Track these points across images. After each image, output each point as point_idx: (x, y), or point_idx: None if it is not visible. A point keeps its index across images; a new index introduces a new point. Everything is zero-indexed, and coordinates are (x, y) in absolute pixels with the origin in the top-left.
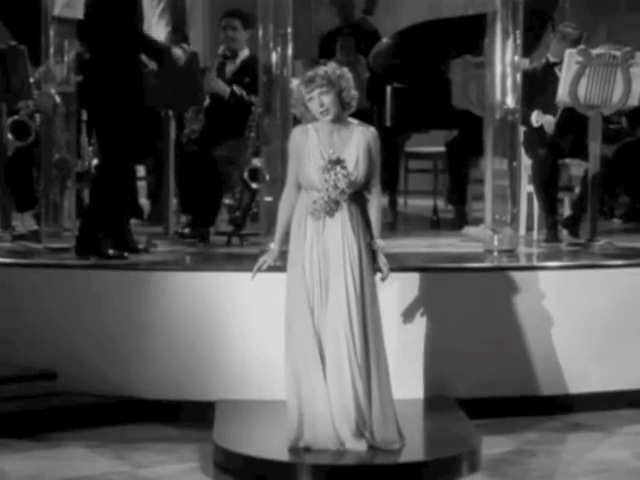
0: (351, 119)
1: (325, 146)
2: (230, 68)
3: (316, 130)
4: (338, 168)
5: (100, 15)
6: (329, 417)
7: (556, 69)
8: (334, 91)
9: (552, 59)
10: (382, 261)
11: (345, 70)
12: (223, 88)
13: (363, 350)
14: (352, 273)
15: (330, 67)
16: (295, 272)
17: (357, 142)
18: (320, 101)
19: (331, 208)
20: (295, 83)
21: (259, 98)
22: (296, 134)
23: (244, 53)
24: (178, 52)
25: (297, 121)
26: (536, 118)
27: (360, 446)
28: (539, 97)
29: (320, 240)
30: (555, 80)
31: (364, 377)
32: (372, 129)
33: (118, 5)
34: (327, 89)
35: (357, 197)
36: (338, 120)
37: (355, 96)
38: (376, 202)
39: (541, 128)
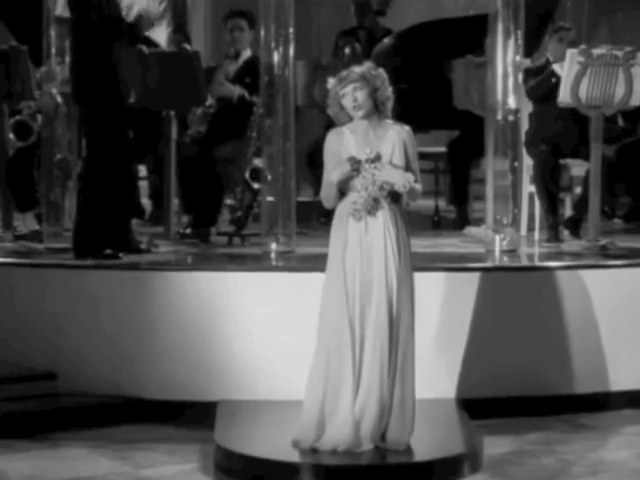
0: (386, 119)
1: (361, 145)
2: (232, 68)
3: (351, 131)
4: (378, 164)
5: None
6: (350, 421)
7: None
8: (368, 88)
9: (552, 59)
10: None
11: (381, 70)
12: (232, 91)
13: (398, 356)
14: (394, 275)
15: (365, 66)
16: (334, 273)
17: (392, 140)
18: (353, 96)
19: (372, 207)
20: (331, 82)
21: (260, 98)
22: (331, 136)
23: (246, 53)
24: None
25: (298, 121)
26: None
27: (367, 447)
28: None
29: (363, 242)
30: (556, 80)
31: (392, 383)
32: (407, 127)
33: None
34: (361, 85)
35: (397, 196)
36: (372, 119)
37: (390, 97)
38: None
39: (541, 127)
